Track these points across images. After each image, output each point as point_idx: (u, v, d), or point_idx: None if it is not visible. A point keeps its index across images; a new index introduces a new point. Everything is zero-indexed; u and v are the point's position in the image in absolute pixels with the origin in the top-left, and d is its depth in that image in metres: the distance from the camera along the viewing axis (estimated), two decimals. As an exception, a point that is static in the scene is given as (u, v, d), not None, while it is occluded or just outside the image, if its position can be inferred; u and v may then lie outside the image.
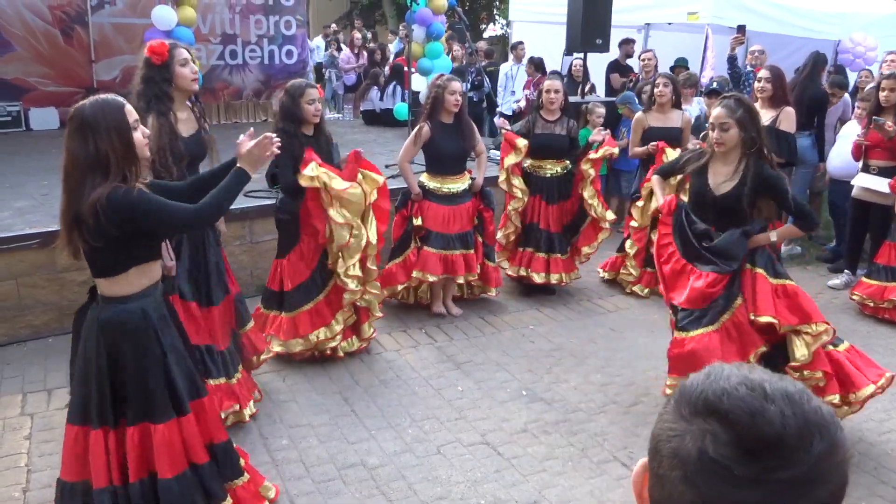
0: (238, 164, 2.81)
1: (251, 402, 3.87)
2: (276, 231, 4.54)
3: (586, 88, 8.78)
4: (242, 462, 3.04)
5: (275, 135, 2.93)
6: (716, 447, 0.75)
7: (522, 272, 5.69)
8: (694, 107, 7.13)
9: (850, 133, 6.32)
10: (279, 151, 2.98)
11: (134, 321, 2.61)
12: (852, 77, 8.40)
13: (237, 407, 3.73)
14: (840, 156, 6.38)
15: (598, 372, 4.54)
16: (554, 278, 5.67)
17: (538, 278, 5.65)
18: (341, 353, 4.55)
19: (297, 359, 4.46)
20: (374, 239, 4.37)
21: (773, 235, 3.72)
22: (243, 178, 2.79)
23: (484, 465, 3.52)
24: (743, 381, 0.79)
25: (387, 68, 11.25)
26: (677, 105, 5.99)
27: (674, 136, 5.82)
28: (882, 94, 5.53)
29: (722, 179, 3.62)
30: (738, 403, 0.76)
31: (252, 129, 2.99)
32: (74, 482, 2.69)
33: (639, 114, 6.01)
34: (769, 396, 0.77)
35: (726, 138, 3.55)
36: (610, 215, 5.66)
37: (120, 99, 2.60)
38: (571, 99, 7.46)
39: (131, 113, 2.57)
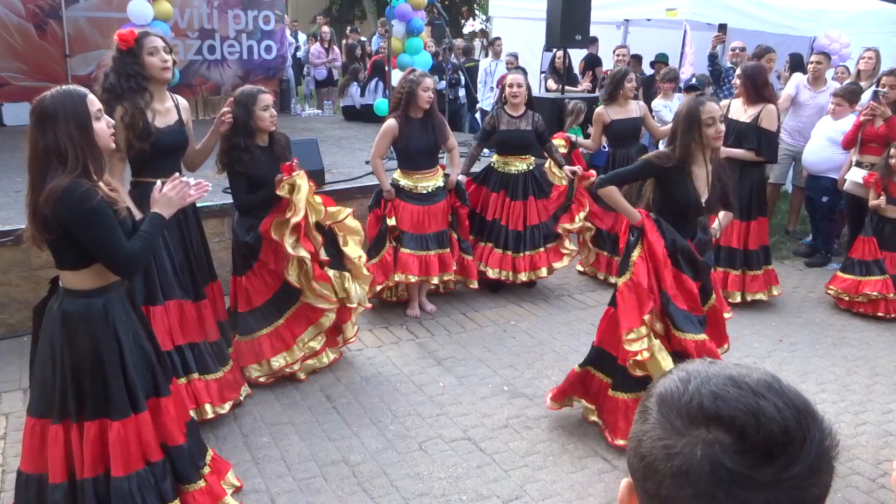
0: (154, 209, 2.71)
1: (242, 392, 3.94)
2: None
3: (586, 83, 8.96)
4: (206, 470, 2.98)
5: (203, 181, 2.83)
6: (729, 457, 0.73)
7: (481, 267, 5.61)
8: (675, 102, 7.19)
9: (824, 130, 6.41)
10: (203, 194, 2.83)
11: (94, 315, 2.59)
12: (829, 73, 8.50)
13: (240, 398, 3.87)
14: (814, 151, 6.45)
15: (579, 367, 4.55)
16: (504, 275, 5.58)
17: (491, 273, 5.57)
18: (303, 376, 4.25)
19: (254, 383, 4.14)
20: (355, 256, 4.23)
21: (717, 231, 3.86)
22: (159, 222, 2.70)
23: (465, 461, 3.53)
24: (727, 381, 0.78)
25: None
26: (635, 96, 6.21)
27: (636, 126, 6.04)
28: (882, 90, 5.74)
29: (703, 183, 3.54)
30: (735, 405, 0.75)
31: (160, 181, 2.88)
32: (31, 474, 2.67)
33: (599, 109, 6.08)
34: (756, 391, 0.77)
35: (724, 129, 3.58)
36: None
37: (82, 89, 2.56)
38: (552, 95, 7.50)
39: (94, 103, 2.53)
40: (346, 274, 4.22)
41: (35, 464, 2.66)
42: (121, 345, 2.64)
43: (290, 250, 3.91)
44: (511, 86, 5.47)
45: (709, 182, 3.55)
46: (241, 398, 3.92)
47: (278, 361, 4.10)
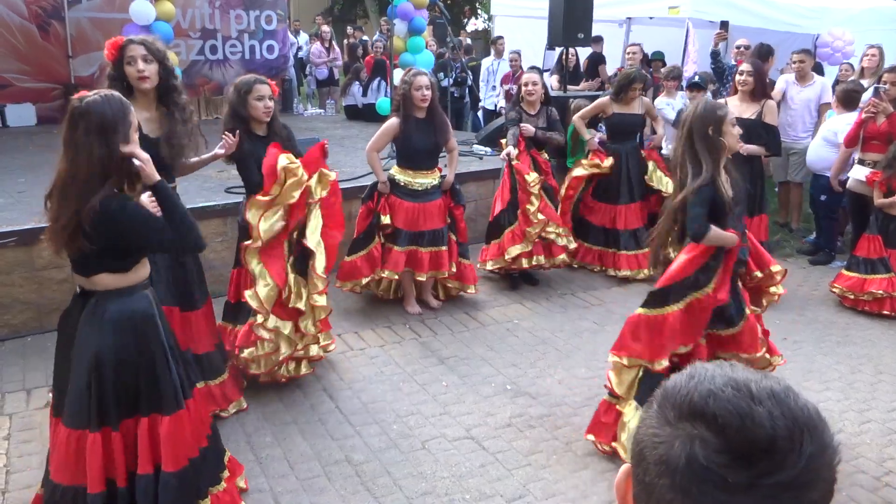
0: (154, 181, 2.65)
1: (239, 400, 3.88)
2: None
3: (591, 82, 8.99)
4: (226, 473, 3.01)
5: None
6: (706, 453, 0.73)
7: (537, 260, 5.67)
8: (678, 100, 7.18)
9: (821, 129, 6.42)
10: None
11: (142, 310, 2.62)
12: (832, 71, 8.50)
13: (219, 413, 3.75)
14: (813, 150, 6.48)
15: (583, 366, 4.55)
16: (546, 262, 5.73)
17: (534, 261, 5.68)
18: (261, 380, 4.05)
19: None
20: (312, 243, 3.91)
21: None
22: (161, 187, 2.65)
23: (469, 460, 3.52)
24: (728, 382, 0.77)
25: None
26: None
27: (636, 122, 6.21)
28: (883, 87, 5.77)
29: (726, 183, 3.41)
30: (725, 405, 0.75)
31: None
32: (67, 486, 2.63)
33: (605, 98, 6.25)
34: (756, 397, 0.76)
35: None
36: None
37: (125, 99, 2.59)
38: (554, 94, 7.49)
39: (134, 114, 2.58)
40: (306, 287, 3.98)
41: (71, 475, 2.61)
42: (164, 340, 2.68)
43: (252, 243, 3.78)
44: (526, 84, 5.59)
45: (730, 180, 3.44)
46: (225, 412, 3.78)
47: (243, 352, 3.94)
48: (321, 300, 4.00)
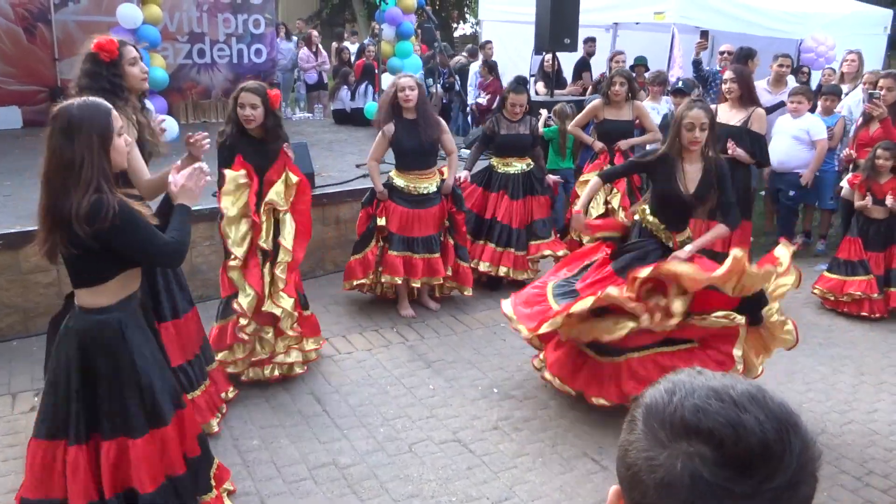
0: (178, 202, 2.69)
1: (209, 422, 3.73)
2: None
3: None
4: (213, 483, 3.00)
5: (204, 164, 2.77)
6: (708, 469, 0.74)
7: (472, 264, 5.64)
8: (663, 105, 7.23)
9: (787, 128, 6.48)
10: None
11: (109, 332, 2.56)
12: (815, 76, 8.60)
13: (210, 423, 3.70)
14: (782, 150, 6.51)
15: (568, 368, 4.58)
16: (501, 271, 5.71)
17: (483, 267, 5.68)
18: (277, 373, 4.19)
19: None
20: (288, 244, 4.01)
21: (688, 247, 3.93)
22: (187, 213, 2.70)
23: (455, 463, 3.54)
24: (710, 393, 0.79)
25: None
26: (633, 95, 6.23)
27: (627, 128, 6.15)
28: (881, 93, 5.88)
29: (692, 178, 3.87)
30: (716, 418, 0.76)
31: (179, 161, 2.90)
32: (39, 499, 2.59)
33: (597, 101, 6.21)
34: (739, 404, 0.78)
35: (704, 137, 3.82)
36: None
37: (107, 104, 2.55)
38: (541, 98, 7.54)
39: (117, 119, 2.52)
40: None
41: (44, 490, 2.58)
42: (139, 361, 2.61)
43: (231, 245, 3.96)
44: (514, 105, 5.62)
45: (700, 175, 3.88)
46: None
47: (217, 355, 3.99)
48: (286, 302, 4.05)
